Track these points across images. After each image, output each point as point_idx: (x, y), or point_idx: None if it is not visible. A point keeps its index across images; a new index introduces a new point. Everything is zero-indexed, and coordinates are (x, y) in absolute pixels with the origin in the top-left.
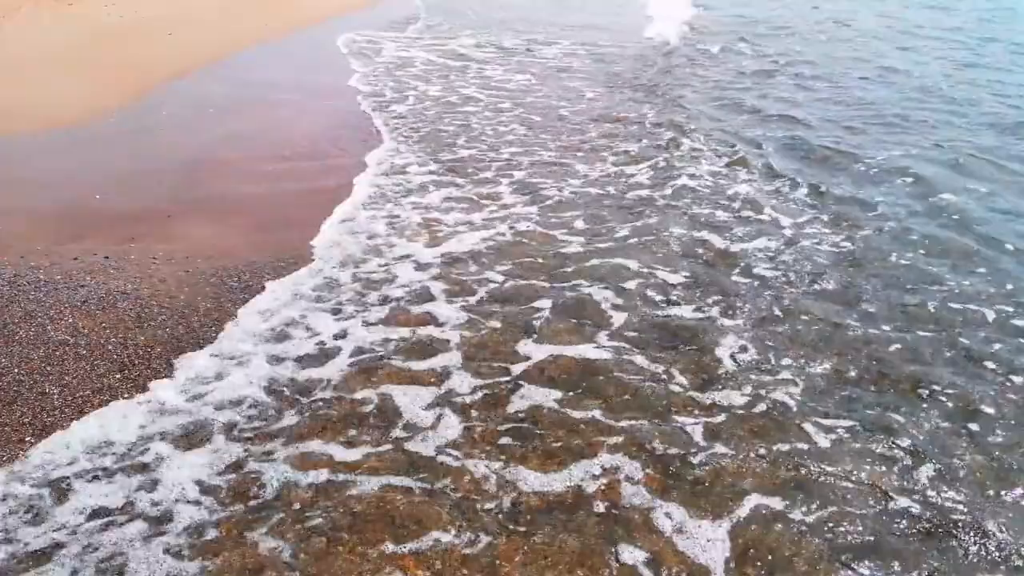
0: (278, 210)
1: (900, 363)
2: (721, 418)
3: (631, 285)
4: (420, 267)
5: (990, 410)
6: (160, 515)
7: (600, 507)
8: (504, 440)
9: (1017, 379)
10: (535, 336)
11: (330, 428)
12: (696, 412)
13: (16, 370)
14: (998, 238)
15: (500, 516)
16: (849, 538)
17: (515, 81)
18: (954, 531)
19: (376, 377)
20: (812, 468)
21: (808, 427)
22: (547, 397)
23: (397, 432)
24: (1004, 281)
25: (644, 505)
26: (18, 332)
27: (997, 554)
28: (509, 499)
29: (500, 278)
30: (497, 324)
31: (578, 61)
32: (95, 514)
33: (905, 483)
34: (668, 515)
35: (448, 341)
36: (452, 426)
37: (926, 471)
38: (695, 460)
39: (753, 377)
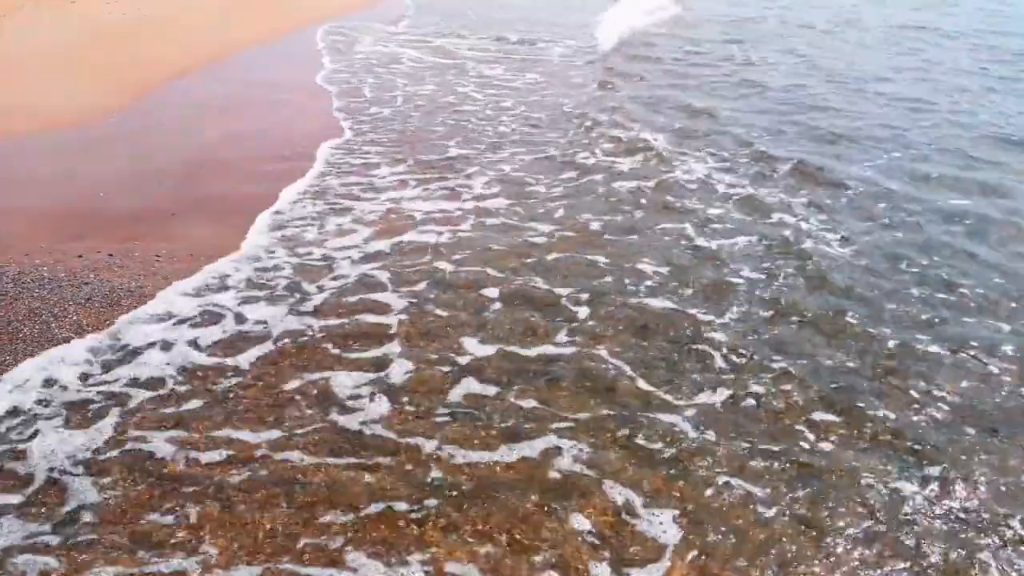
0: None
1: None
2: (670, 404)
3: (596, 279)
4: (367, 257)
5: (975, 404)
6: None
7: (542, 482)
8: (442, 419)
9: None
10: (484, 326)
11: (261, 409)
12: (649, 399)
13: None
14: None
15: (434, 489)
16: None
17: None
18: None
19: (311, 361)
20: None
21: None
22: (490, 385)
23: (330, 411)
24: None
25: (586, 482)
26: (23, 329)
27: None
28: (442, 473)
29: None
30: (444, 313)
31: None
32: None
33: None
34: (614, 491)
35: (390, 326)
36: (385, 406)
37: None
38: (644, 442)
39: (717, 371)
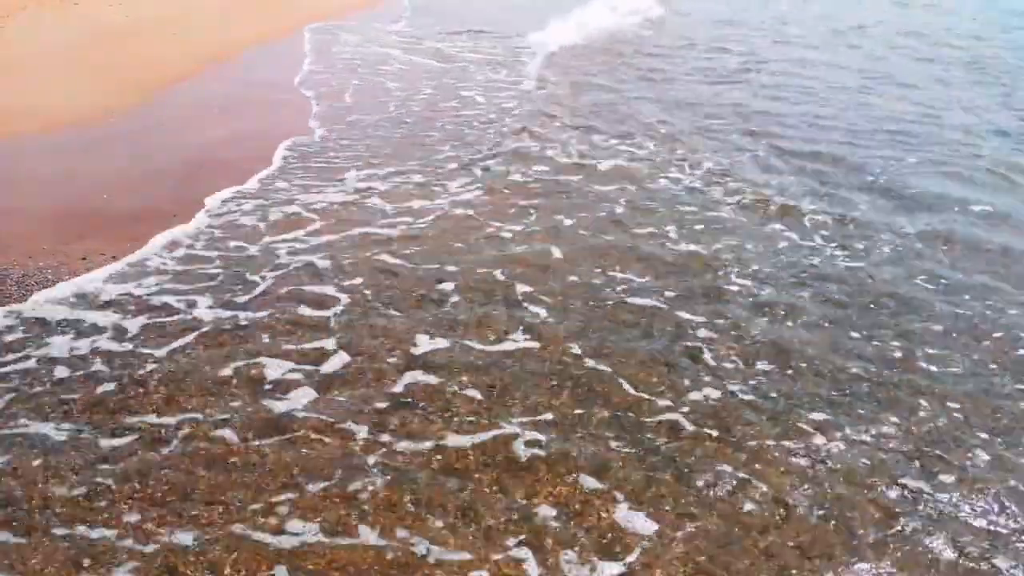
0: None
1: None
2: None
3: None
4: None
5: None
6: None
7: (487, 467)
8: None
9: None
10: (437, 320)
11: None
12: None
13: None
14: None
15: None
16: None
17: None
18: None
19: (249, 349)
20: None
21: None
22: (432, 377)
23: (262, 396)
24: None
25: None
26: None
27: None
28: (380, 457)
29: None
30: (393, 309)
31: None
32: None
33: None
34: (570, 470)
35: (330, 318)
36: (315, 395)
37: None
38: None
39: (706, 368)
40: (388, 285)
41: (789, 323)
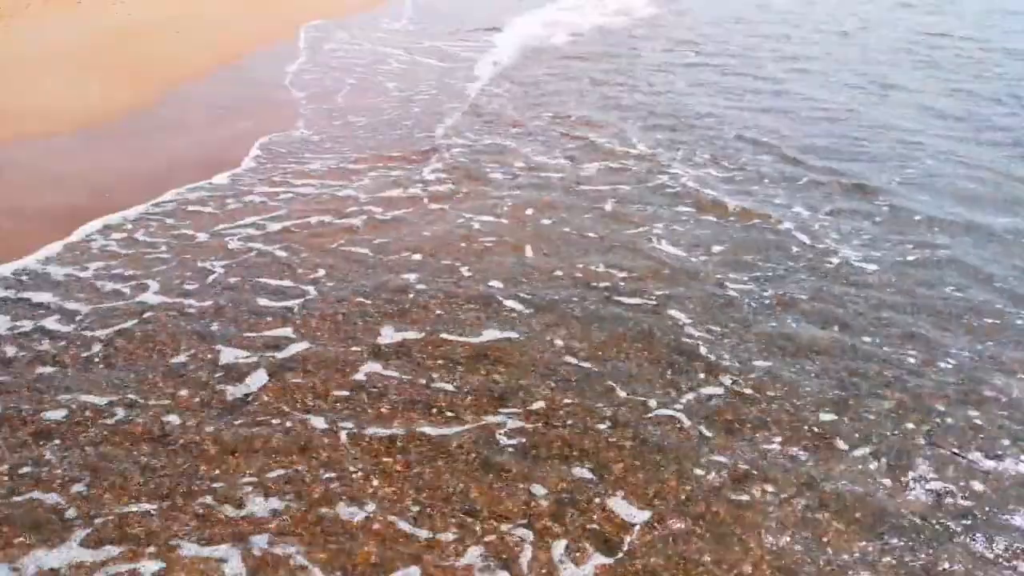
0: None
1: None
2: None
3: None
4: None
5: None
6: None
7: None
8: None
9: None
10: (401, 313)
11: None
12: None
13: None
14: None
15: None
16: None
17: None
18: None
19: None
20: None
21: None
22: (399, 367)
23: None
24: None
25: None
26: None
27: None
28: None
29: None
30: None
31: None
32: None
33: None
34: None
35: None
36: (269, 381)
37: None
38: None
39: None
40: (354, 274)
41: (789, 322)
